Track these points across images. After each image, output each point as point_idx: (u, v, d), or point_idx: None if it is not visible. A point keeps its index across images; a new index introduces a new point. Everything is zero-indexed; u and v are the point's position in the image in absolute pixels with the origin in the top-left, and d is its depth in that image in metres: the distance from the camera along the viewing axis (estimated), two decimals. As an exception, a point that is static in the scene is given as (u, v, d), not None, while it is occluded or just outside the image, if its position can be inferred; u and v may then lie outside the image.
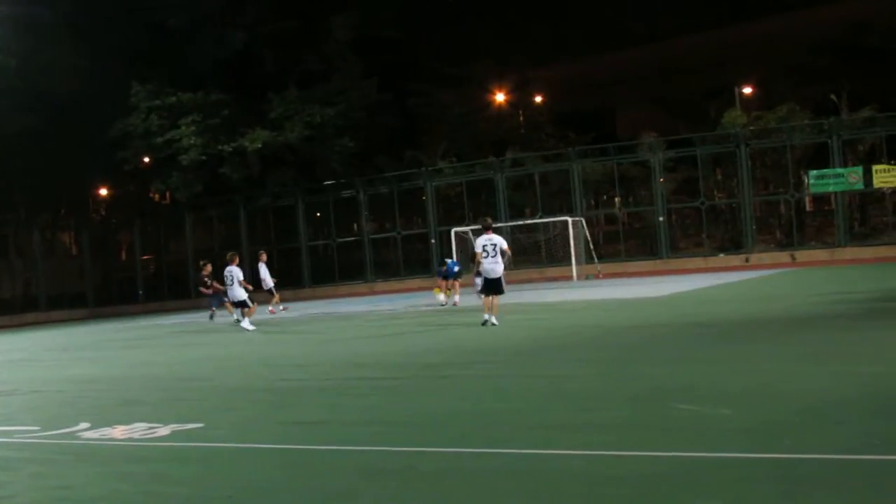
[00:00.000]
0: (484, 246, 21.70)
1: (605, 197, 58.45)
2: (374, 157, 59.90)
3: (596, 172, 52.76)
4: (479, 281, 23.15)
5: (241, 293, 27.31)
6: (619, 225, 54.14)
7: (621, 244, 52.05)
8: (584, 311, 24.74)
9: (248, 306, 27.39)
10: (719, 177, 53.84)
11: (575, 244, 44.90)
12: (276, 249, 55.70)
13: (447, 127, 64.11)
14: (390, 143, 62.08)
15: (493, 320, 21.21)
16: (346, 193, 55.69)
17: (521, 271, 48.16)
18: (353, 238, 55.20)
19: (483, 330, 21.07)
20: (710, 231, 50.91)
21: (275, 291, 34.39)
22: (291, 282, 53.50)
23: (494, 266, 21.54)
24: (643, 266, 47.84)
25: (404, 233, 53.83)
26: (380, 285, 52.02)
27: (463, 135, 64.13)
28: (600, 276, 44.94)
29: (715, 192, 52.75)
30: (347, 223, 57.29)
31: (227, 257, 28.16)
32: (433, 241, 51.87)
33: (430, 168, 54.62)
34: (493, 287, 21.58)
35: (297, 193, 55.91)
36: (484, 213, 51.67)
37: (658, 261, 47.88)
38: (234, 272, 27.39)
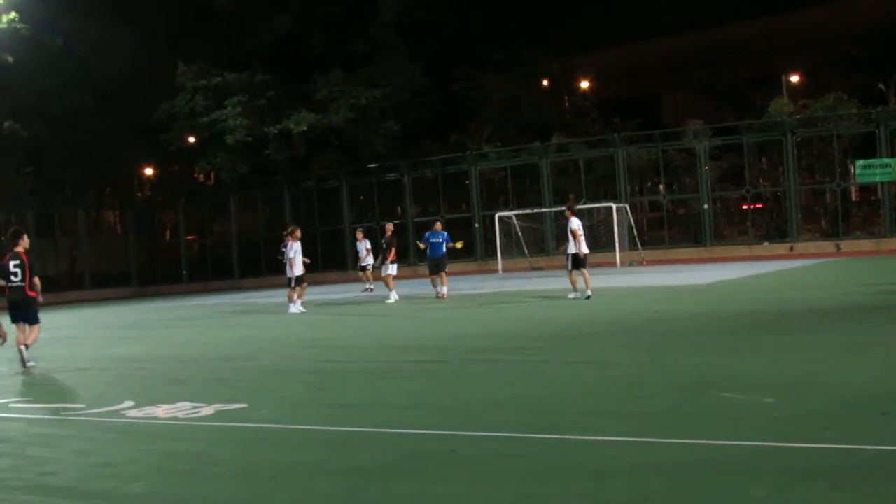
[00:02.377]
0: (581, 225, 24.31)
1: (649, 183, 58.08)
2: (418, 141, 59.88)
3: (641, 159, 52.47)
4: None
5: (297, 269, 26.40)
6: (663, 212, 53.84)
7: (665, 231, 51.80)
8: (628, 298, 24.63)
9: (300, 284, 26.64)
10: (764, 165, 53.36)
11: (619, 230, 44.77)
12: (319, 231, 55.86)
13: (492, 111, 63.93)
14: (435, 126, 62.02)
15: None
16: (390, 176, 55.72)
17: (564, 257, 48.01)
18: (397, 221, 55.31)
19: (527, 314, 21.22)
20: (754, 219, 50.55)
21: (368, 271, 35.60)
22: (335, 264, 53.65)
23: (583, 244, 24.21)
24: (687, 253, 47.61)
25: (448, 216, 53.78)
26: (423, 269, 52.03)
27: (508, 119, 63.92)
28: (644, 262, 44.78)
29: (760, 181, 52.29)
30: (391, 206, 57.33)
31: (289, 230, 27.14)
32: (477, 224, 51.87)
33: (474, 152, 54.55)
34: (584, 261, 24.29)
35: (341, 176, 55.99)
36: (528, 196, 51.77)
37: (702, 248, 47.65)
38: (295, 247, 26.54)
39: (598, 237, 47.61)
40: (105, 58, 53.43)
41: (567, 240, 24.67)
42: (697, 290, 25.74)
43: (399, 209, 56.57)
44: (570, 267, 24.66)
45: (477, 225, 51.88)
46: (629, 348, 13.97)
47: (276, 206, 59.24)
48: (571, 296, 24.36)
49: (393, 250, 28.98)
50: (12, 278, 16.08)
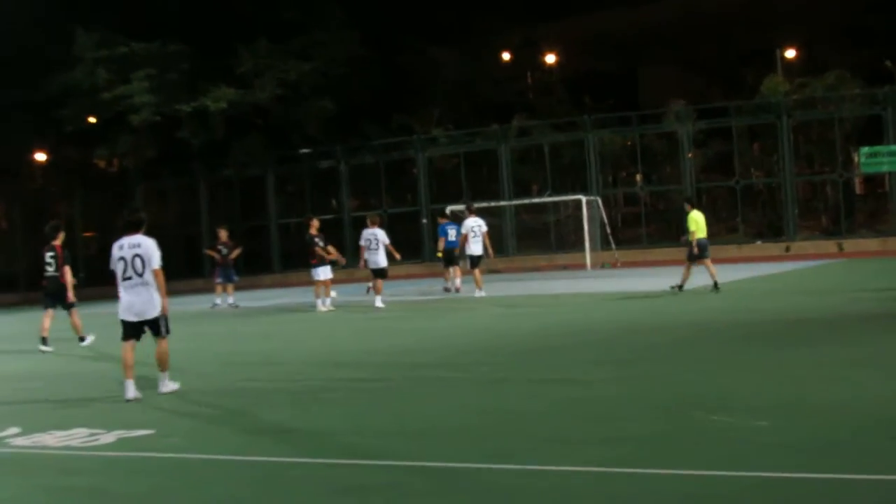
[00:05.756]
0: (472, 227, 29.31)
1: (624, 173, 58.30)
2: (357, 123, 59.60)
3: (615, 144, 52.62)
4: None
5: (383, 260, 27.73)
6: (640, 206, 54.04)
7: (643, 228, 51.93)
8: (600, 305, 24.71)
9: (384, 277, 28.07)
10: (756, 153, 53.75)
11: (589, 227, 44.79)
12: (240, 227, 55.54)
13: (443, 89, 63.85)
14: (377, 106, 61.73)
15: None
16: (324, 164, 55.50)
17: (526, 257, 48.10)
18: (331, 216, 54.92)
19: (484, 324, 21.30)
20: (745, 215, 50.85)
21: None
22: (258, 266, 53.37)
23: (478, 245, 29.29)
24: (667, 254, 47.66)
25: (391, 211, 53.67)
26: (362, 271, 51.82)
27: (462, 99, 63.89)
28: (618, 264, 44.88)
29: (752, 171, 52.64)
30: (325, 198, 57.13)
31: (369, 219, 28.83)
32: (424, 220, 51.74)
33: (422, 136, 54.46)
34: (478, 262, 29.42)
35: (266, 162, 55.71)
36: (485, 187, 51.79)
37: (684, 248, 47.82)
38: (379, 235, 27.79)
39: (566, 235, 47.78)
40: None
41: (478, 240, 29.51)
42: (680, 296, 25.86)
43: (334, 202, 56.40)
44: (469, 266, 29.74)
45: (425, 220, 51.72)
46: (601, 364, 14.00)
47: (190, 198, 58.79)
48: (477, 293, 28.57)
49: (317, 250, 28.86)
50: (47, 269, 20.92)
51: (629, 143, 52.43)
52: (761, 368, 12.62)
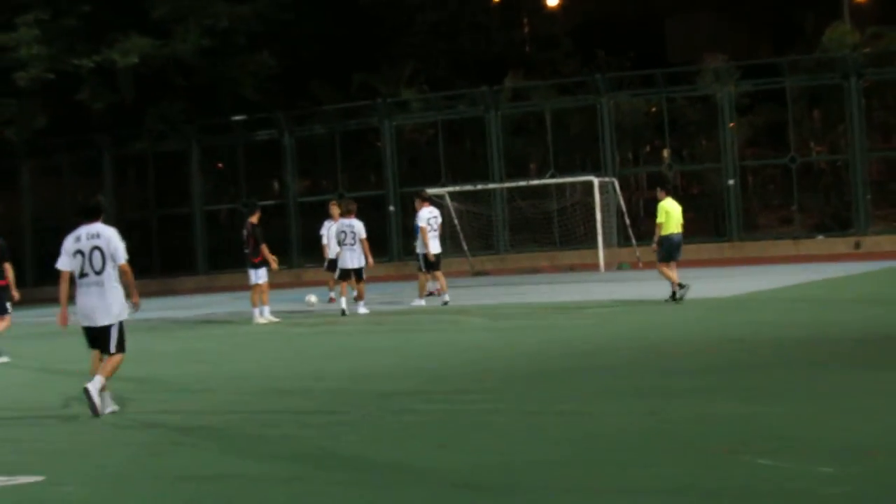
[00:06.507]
0: (428, 220, 30.57)
1: (648, 148, 58.43)
2: (306, 83, 59.65)
3: (636, 111, 52.68)
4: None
5: (360, 258, 28.50)
6: (668, 190, 54.16)
7: (671, 218, 52.02)
8: (616, 318, 24.77)
9: (362, 278, 28.88)
10: (818, 122, 53.84)
11: (603, 217, 44.80)
12: (156, 215, 55.45)
13: (417, 40, 63.86)
14: (331, 61, 61.79)
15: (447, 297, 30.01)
16: (263, 135, 55.43)
17: (522, 256, 48.17)
18: (273, 202, 54.91)
19: (469, 342, 21.37)
20: (803, 202, 50.93)
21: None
22: (178, 265, 53.25)
23: (436, 241, 30.68)
24: (704, 251, 47.70)
25: (350, 194, 53.58)
26: (310, 273, 51.75)
27: (440, 52, 63.94)
28: (639, 264, 44.87)
29: (811, 145, 52.75)
30: (265, 179, 57.09)
31: (343, 207, 29.84)
32: (392, 207, 51.68)
33: (389, 100, 54.43)
34: (437, 264, 30.53)
35: (189, 133, 55.61)
36: (469, 166, 51.78)
37: (725, 244, 47.88)
38: (357, 227, 28.45)
39: (573, 227, 47.71)
40: None
41: (416, 237, 31.09)
42: (719, 305, 25.94)
43: (276, 184, 56.35)
44: (422, 268, 30.94)
45: (392, 208, 51.70)
46: (619, 392, 13.99)
47: (92, 179, 58.56)
48: (415, 302, 30.57)
49: (264, 247, 28.65)
50: None
51: (654, 109, 52.50)
52: (822, 398, 12.64)
